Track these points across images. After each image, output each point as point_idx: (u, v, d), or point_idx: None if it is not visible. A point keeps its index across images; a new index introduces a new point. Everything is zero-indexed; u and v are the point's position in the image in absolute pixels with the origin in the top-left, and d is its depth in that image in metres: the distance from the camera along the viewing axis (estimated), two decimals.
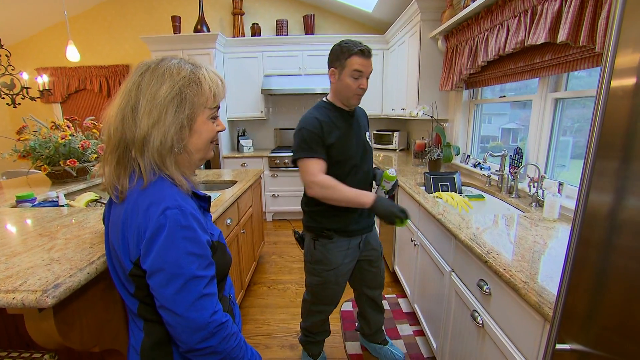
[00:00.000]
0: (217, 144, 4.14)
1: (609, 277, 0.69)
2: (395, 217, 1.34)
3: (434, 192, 2.18)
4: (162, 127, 0.76)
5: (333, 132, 1.45)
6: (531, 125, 2.01)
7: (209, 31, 4.04)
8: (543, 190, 1.76)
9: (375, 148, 4.55)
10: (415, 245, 2.09)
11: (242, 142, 4.46)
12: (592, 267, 0.72)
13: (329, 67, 1.47)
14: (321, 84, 4.17)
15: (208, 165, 4.23)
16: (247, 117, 4.43)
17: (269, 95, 4.59)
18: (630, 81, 0.64)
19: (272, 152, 4.31)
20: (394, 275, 2.80)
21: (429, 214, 1.80)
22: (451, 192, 2.17)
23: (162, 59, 0.82)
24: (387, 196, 1.56)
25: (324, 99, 1.55)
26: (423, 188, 2.28)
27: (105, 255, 0.99)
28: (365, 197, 1.38)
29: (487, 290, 1.20)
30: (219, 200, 2.02)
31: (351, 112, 1.55)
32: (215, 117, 0.87)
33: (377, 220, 2.97)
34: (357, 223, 1.57)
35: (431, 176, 2.19)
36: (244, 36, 4.32)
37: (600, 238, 0.70)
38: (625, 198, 0.65)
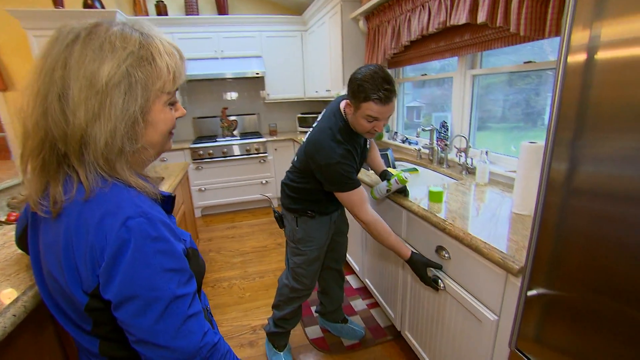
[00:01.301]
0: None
1: (568, 233, 0.78)
2: (425, 280, 1.37)
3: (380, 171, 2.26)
4: (106, 122, 0.59)
5: (356, 162, 1.46)
6: (453, 100, 2.19)
7: (102, 7, 3.50)
8: (471, 159, 1.95)
9: (301, 132, 4.54)
10: None
11: None
12: (553, 226, 0.81)
13: (347, 97, 1.35)
14: (238, 68, 3.96)
15: None
16: None
17: (185, 82, 4.22)
18: (582, 57, 0.72)
19: (194, 143, 4.01)
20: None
21: None
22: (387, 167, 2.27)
23: (95, 24, 0.62)
24: (387, 194, 1.65)
25: (342, 111, 1.41)
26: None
27: (33, 286, 0.80)
28: (404, 250, 1.41)
29: (447, 256, 1.30)
30: None
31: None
32: (173, 103, 0.71)
33: None
34: (334, 205, 1.62)
35: None
36: (148, 15, 3.85)
37: (559, 201, 0.80)
38: (580, 165, 0.74)
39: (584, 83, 0.72)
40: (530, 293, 0.87)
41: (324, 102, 4.74)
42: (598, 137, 0.70)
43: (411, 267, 1.41)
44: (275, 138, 4.20)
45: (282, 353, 1.80)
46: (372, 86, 1.21)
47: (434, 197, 1.48)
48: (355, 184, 1.38)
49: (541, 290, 0.86)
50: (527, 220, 1.24)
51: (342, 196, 1.40)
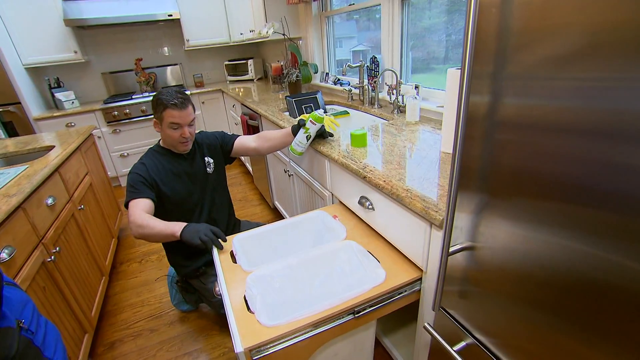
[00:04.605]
0: (20, 103, 3.09)
1: (494, 164, 0.63)
2: (199, 237, 1.21)
3: (299, 116, 2.03)
4: None
5: (162, 175, 1.44)
6: (382, 30, 1.96)
7: None
8: (402, 96, 1.77)
9: (231, 81, 4.11)
10: (289, 175, 1.96)
11: (59, 95, 3.42)
12: (477, 165, 0.65)
13: (153, 117, 1.43)
14: (145, 9, 3.38)
15: (15, 133, 3.17)
16: (54, 60, 3.34)
17: (81, 29, 3.53)
18: None
19: (105, 102, 3.46)
20: (275, 211, 2.70)
21: None
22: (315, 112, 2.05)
23: None
24: (308, 142, 1.43)
25: (159, 142, 1.52)
26: (287, 114, 2.10)
27: None
28: (175, 227, 1.28)
29: (370, 206, 1.14)
30: (24, 176, 1.46)
31: (186, 154, 1.52)
32: None
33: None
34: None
35: (293, 99, 2.01)
36: None
37: (481, 134, 0.63)
38: (503, 97, 0.57)
39: (501, 17, 0.55)
40: (453, 249, 0.73)
41: (252, 46, 4.29)
42: (523, 69, 0.54)
43: (183, 238, 1.26)
44: (202, 90, 3.77)
45: None
46: (167, 97, 1.36)
47: (357, 141, 1.29)
48: (137, 194, 1.36)
49: (465, 244, 0.72)
50: None
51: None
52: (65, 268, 1.51)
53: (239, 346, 0.79)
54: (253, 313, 0.88)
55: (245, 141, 1.66)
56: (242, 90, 3.36)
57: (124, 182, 3.77)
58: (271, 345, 0.81)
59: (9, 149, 2.03)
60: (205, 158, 1.59)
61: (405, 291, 0.98)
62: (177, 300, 1.82)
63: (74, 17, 3.15)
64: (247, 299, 0.93)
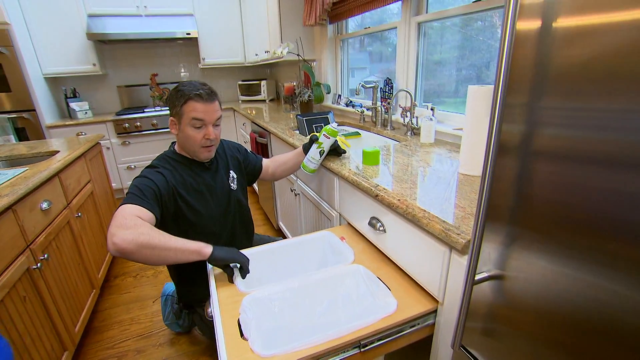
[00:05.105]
0: (34, 110, 3.11)
1: (527, 195, 0.54)
2: (240, 259, 1.03)
3: (309, 134, 1.98)
4: None
5: (182, 191, 1.18)
6: (398, 54, 1.93)
7: None
8: (416, 118, 1.72)
9: (243, 101, 4.13)
10: (296, 195, 1.89)
11: (73, 105, 3.46)
12: (508, 190, 0.57)
13: (169, 116, 1.20)
14: (166, 27, 3.45)
15: (26, 139, 3.17)
16: (73, 71, 3.41)
17: (102, 43, 3.61)
18: (536, 23, 0.50)
19: (118, 114, 3.48)
20: (279, 233, 2.60)
21: None
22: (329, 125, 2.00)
23: None
24: (321, 158, 1.33)
25: (173, 147, 1.28)
26: (297, 132, 2.05)
27: None
28: (199, 244, 1.03)
29: (381, 228, 1.05)
30: (22, 177, 1.41)
31: (208, 164, 1.29)
32: None
33: None
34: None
35: (304, 118, 1.97)
36: None
37: (514, 166, 0.56)
38: (540, 128, 0.51)
39: (538, 50, 0.50)
40: (478, 277, 0.63)
41: (266, 68, 4.34)
42: (562, 99, 0.48)
43: (215, 259, 1.04)
44: None
45: None
46: (190, 87, 1.14)
47: (369, 158, 1.22)
48: (140, 201, 1.04)
49: (492, 272, 0.62)
50: (476, 182, 1.02)
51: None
52: (52, 277, 1.42)
53: None
54: (247, 340, 0.78)
55: (267, 165, 1.53)
56: (253, 110, 3.35)
57: None
58: None
59: (14, 152, 2.00)
60: (231, 172, 1.37)
61: (418, 324, 0.87)
62: (170, 320, 1.70)
63: (97, 32, 3.22)
64: (240, 323, 0.83)
